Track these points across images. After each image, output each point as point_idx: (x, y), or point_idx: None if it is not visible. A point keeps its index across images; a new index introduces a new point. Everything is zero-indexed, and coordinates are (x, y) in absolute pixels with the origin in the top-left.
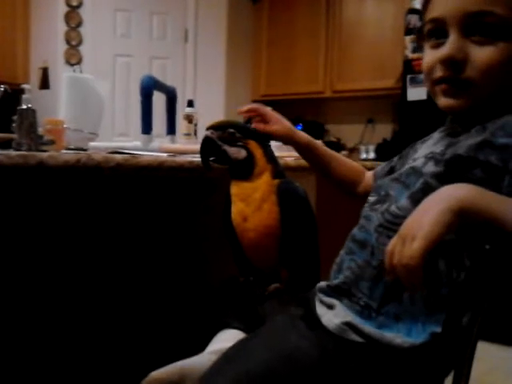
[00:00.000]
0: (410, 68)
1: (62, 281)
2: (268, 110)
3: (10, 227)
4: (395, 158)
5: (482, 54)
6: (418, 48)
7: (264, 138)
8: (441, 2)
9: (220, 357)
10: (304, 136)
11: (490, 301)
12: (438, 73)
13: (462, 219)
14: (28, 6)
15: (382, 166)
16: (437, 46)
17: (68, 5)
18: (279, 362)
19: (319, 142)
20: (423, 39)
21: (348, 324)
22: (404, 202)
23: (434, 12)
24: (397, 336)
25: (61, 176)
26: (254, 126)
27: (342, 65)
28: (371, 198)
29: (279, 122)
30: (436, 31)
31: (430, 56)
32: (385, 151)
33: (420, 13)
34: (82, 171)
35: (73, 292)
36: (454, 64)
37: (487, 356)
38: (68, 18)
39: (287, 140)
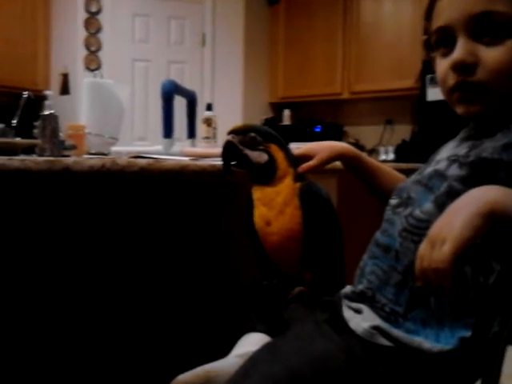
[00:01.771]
0: (429, 68)
1: (89, 285)
2: (304, 148)
3: (36, 233)
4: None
5: (491, 55)
6: (426, 59)
7: (285, 142)
8: (444, 10)
9: (246, 360)
10: (349, 149)
11: None
12: (451, 80)
13: (492, 222)
14: (48, 13)
15: None
16: (446, 54)
17: (87, 11)
18: (306, 365)
19: (364, 154)
20: (432, 50)
21: (377, 328)
22: (428, 206)
23: (439, 21)
24: (426, 341)
25: (85, 181)
26: (301, 170)
27: (360, 65)
28: (393, 201)
29: (320, 150)
30: (444, 39)
31: (442, 65)
32: (404, 152)
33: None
34: (107, 176)
35: (98, 296)
36: (466, 68)
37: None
38: (87, 24)
39: (335, 160)
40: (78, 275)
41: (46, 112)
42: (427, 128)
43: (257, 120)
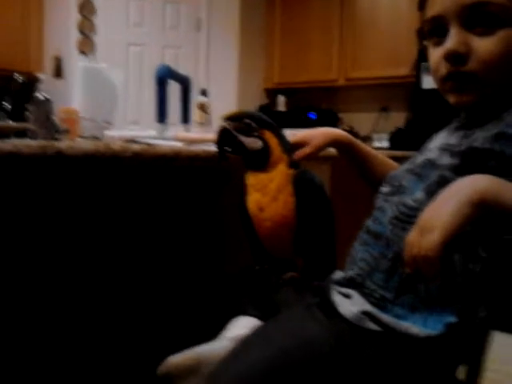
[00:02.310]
0: (425, 56)
1: (82, 268)
2: (298, 135)
3: (28, 216)
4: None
5: (483, 45)
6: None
7: (279, 128)
8: None
9: (237, 343)
10: (343, 135)
11: (506, 291)
12: (443, 70)
13: (481, 210)
14: None
15: None
16: (439, 44)
17: None
18: (296, 348)
19: (359, 141)
20: (425, 39)
21: (365, 313)
22: (419, 194)
23: (432, 10)
24: (413, 326)
25: (78, 165)
26: (296, 157)
27: (356, 52)
28: (384, 189)
29: (315, 137)
30: (437, 29)
31: (434, 54)
32: (398, 140)
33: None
34: (100, 161)
35: (89, 278)
36: (458, 58)
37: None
38: (81, 7)
39: (330, 146)
40: (70, 259)
41: (39, 96)
42: (422, 116)
43: (252, 106)
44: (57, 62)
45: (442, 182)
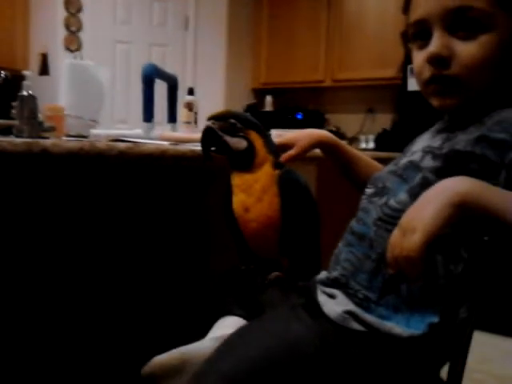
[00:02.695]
0: (411, 58)
1: (65, 268)
2: (284, 138)
3: (12, 214)
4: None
5: (465, 49)
6: (404, 52)
7: (265, 128)
8: (421, 3)
9: (222, 343)
10: (328, 136)
11: (487, 292)
12: (427, 73)
13: (463, 212)
14: None
15: None
16: (423, 47)
17: None
18: (280, 349)
19: (343, 142)
20: (409, 42)
21: (349, 312)
22: (403, 196)
23: (416, 14)
24: (397, 326)
25: (64, 164)
26: (282, 160)
27: (343, 54)
28: (368, 190)
29: (300, 139)
30: (420, 33)
31: (418, 57)
32: (384, 141)
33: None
34: (85, 159)
35: (74, 278)
36: (441, 61)
37: (481, 345)
38: (68, 3)
39: (315, 147)
40: (53, 258)
41: (24, 92)
42: (407, 117)
43: (239, 106)
44: (43, 59)
45: (425, 184)
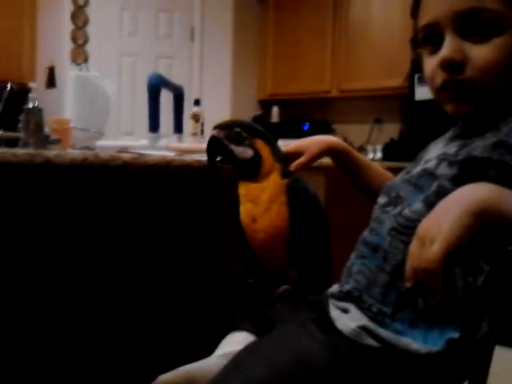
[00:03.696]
0: (418, 67)
1: (68, 280)
2: (293, 145)
3: (15, 225)
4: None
5: (479, 52)
6: (414, 58)
7: (272, 137)
8: (431, 6)
9: (230, 360)
10: (338, 143)
11: (510, 305)
12: (439, 79)
13: (483, 221)
14: (35, 5)
15: None
16: (434, 52)
17: (75, 4)
18: (291, 366)
19: (354, 150)
20: (419, 47)
21: (364, 328)
22: (418, 205)
23: (426, 18)
24: (413, 342)
25: (67, 175)
26: (292, 169)
27: (349, 64)
28: (381, 200)
29: (310, 146)
30: (431, 37)
31: (430, 63)
32: (392, 151)
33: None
34: (89, 170)
35: (76, 292)
36: (454, 66)
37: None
38: (75, 16)
39: (325, 154)
40: (57, 268)
41: (30, 105)
42: (415, 127)
43: (246, 117)
44: (49, 72)
45: (441, 193)
